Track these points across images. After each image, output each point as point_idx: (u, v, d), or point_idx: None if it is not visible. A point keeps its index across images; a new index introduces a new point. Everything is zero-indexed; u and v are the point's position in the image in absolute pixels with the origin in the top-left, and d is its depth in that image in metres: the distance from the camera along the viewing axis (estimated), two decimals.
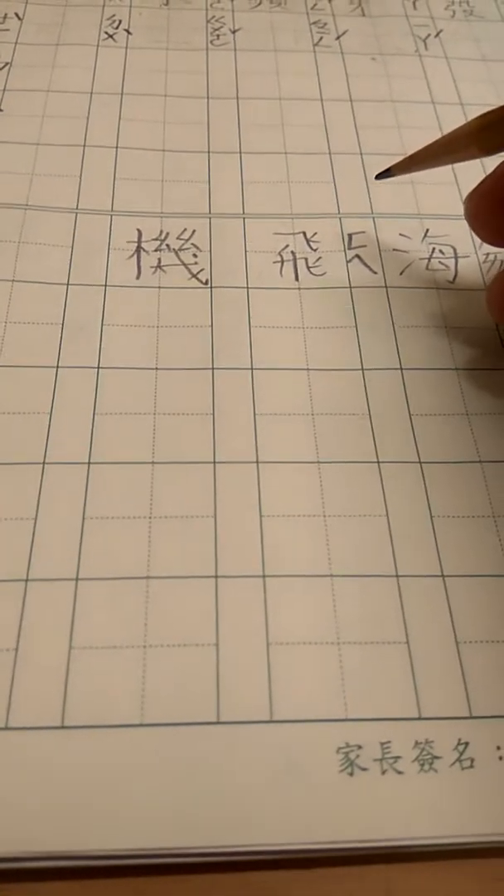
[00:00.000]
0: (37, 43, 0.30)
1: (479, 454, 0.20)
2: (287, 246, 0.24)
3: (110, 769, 0.15)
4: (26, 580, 0.17)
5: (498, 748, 0.16)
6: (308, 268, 0.24)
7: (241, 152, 0.27)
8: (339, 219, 0.25)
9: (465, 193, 0.26)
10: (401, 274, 0.24)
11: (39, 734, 0.16)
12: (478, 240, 0.25)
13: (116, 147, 0.26)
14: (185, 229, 0.24)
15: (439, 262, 0.24)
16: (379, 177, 0.23)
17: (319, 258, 0.24)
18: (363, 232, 0.25)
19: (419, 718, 0.16)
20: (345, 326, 0.23)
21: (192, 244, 0.24)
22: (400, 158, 0.27)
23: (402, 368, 0.22)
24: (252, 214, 0.25)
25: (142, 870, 0.15)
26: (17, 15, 0.31)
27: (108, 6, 0.32)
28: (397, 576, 0.18)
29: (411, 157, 0.22)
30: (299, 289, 0.23)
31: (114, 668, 0.16)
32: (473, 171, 0.27)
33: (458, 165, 0.27)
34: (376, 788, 0.15)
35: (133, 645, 0.17)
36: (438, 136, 0.27)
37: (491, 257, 0.24)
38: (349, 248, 0.24)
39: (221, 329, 0.22)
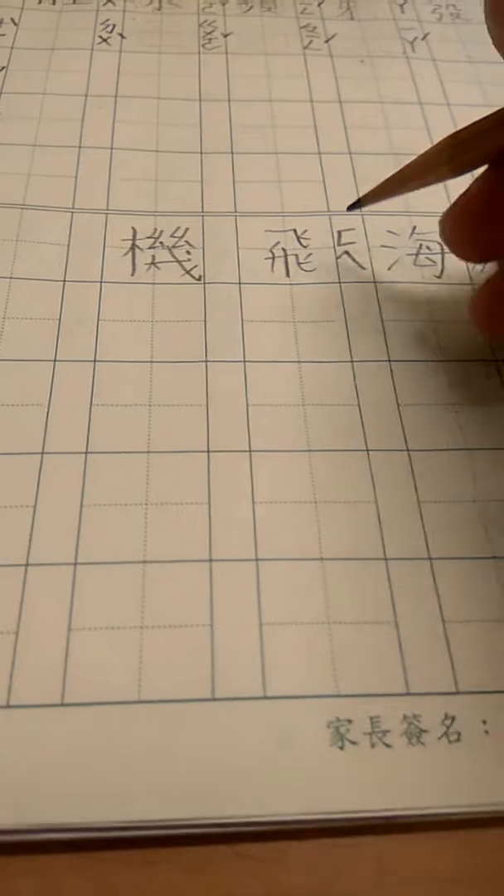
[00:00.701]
0: (32, 47, 0.31)
1: (465, 442, 0.21)
2: (278, 243, 0.25)
3: (109, 744, 0.16)
4: (26, 565, 0.18)
5: (484, 722, 0.16)
6: (299, 264, 0.25)
7: (232, 152, 0.27)
8: (329, 217, 0.26)
9: (452, 192, 0.27)
10: (389, 269, 0.25)
11: (40, 711, 0.16)
12: None
13: (111, 148, 0.27)
14: (179, 227, 0.25)
15: (426, 257, 0.25)
16: (350, 208, 0.23)
17: (310, 255, 0.25)
18: (352, 229, 0.26)
19: (407, 694, 0.17)
20: (334, 320, 0.23)
21: (186, 242, 0.25)
22: (387, 158, 0.28)
23: (389, 360, 0.22)
24: (244, 213, 0.26)
25: (140, 841, 0.15)
26: (12, 20, 0.32)
27: (101, 11, 0.32)
28: (386, 559, 0.19)
29: (380, 186, 0.22)
30: (290, 284, 0.24)
31: (112, 648, 0.17)
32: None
33: None
34: (366, 761, 0.16)
35: (130, 626, 0.17)
36: (426, 136, 0.28)
37: None
38: (338, 245, 0.25)
39: (214, 323, 0.23)
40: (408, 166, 0.20)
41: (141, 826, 0.15)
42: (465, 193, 0.19)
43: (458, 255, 0.20)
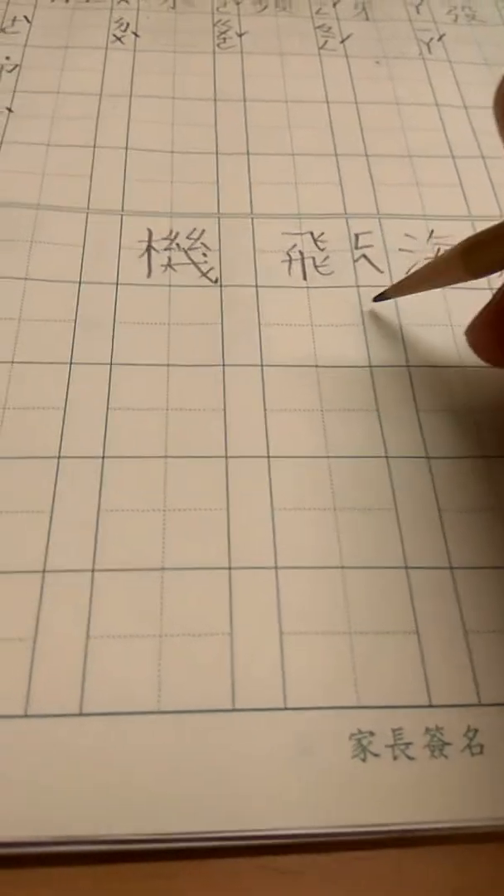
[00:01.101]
0: (46, 45, 0.30)
1: (485, 449, 0.21)
2: (295, 245, 0.25)
3: (128, 755, 0.16)
4: (43, 571, 0.18)
5: None
6: (316, 267, 0.24)
7: (248, 153, 0.27)
8: (346, 219, 0.26)
9: (469, 195, 0.27)
10: (406, 273, 0.24)
11: (58, 721, 0.16)
12: None
13: (126, 148, 0.27)
14: (195, 229, 0.25)
15: None
16: (377, 299, 0.23)
17: (327, 258, 0.25)
18: (369, 232, 0.25)
19: (430, 706, 0.17)
20: (352, 324, 0.23)
21: (202, 243, 0.24)
22: (404, 160, 0.27)
23: (408, 365, 0.22)
24: (260, 214, 0.25)
25: (160, 854, 0.15)
26: (25, 18, 0.31)
27: (115, 9, 0.32)
28: (406, 567, 0.18)
29: (402, 282, 0.22)
30: (307, 287, 0.24)
31: (130, 656, 0.17)
32: (477, 173, 0.27)
33: (462, 166, 0.27)
34: (388, 774, 0.16)
35: (149, 634, 0.17)
36: (443, 138, 0.28)
37: None
38: (356, 248, 0.25)
39: (231, 327, 0.23)
40: (425, 268, 0.20)
41: (161, 839, 0.15)
42: (487, 305, 0.19)
43: (484, 361, 0.20)
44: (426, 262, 0.25)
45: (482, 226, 0.25)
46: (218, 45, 0.31)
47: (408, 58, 0.31)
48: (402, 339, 0.23)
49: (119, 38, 0.31)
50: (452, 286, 0.22)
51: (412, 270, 0.24)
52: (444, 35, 0.32)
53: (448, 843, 0.16)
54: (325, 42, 0.32)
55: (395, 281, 0.24)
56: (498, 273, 0.19)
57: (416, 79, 0.30)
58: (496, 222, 0.18)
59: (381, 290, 0.24)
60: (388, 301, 0.23)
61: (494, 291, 0.19)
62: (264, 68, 0.30)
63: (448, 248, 0.25)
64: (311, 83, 0.30)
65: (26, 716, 0.16)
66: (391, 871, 0.15)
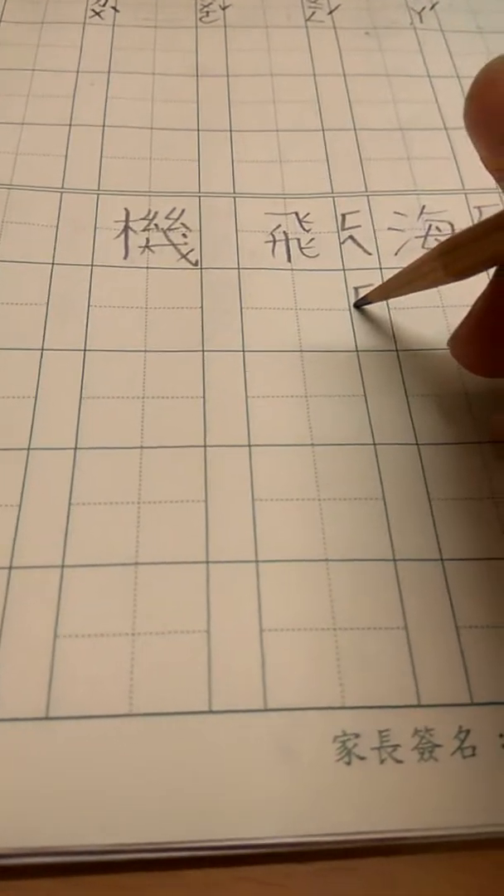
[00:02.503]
0: (21, 21, 0.29)
1: (478, 435, 0.20)
2: (279, 226, 0.24)
3: (97, 761, 0.15)
4: (10, 568, 0.17)
5: (500, 736, 0.15)
6: (301, 248, 0.23)
7: (231, 130, 0.26)
8: (333, 198, 0.24)
9: (463, 168, 0.25)
10: (395, 254, 0.23)
11: (22, 725, 0.15)
12: (476, 214, 0.24)
13: (103, 126, 0.26)
14: (175, 209, 0.24)
15: (436, 239, 0.24)
16: (358, 305, 0.22)
17: (312, 239, 0.23)
18: (357, 211, 0.24)
19: (418, 706, 0.16)
20: (338, 308, 0.22)
21: (182, 224, 0.23)
22: (394, 134, 0.26)
23: (397, 350, 0.21)
24: (243, 194, 0.24)
25: (131, 865, 0.14)
26: None
27: None
28: (395, 560, 0.17)
29: (384, 285, 0.21)
30: (292, 270, 0.23)
31: (100, 656, 0.16)
32: (471, 145, 0.26)
33: (455, 138, 0.26)
34: (375, 778, 0.15)
35: (121, 633, 0.16)
36: (435, 110, 0.27)
37: None
38: (343, 229, 0.24)
39: (212, 311, 0.22)
40: (406, 270, 0.19)
41: (133, 849, 0.14)
42: (468, 315, 0.18)
43: (469, 370, 0.19)
44: (416, 240, 0.24)
45: (477, 199, 0.25)
46: (200, 20, 0.30)
47: (398, 28, 0.30)
48: (391, 323, 0.22)
49: (98, 13, 0.30)
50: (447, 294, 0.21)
51: (400, 252, 0.23)
52: (436, 3, 0.31)
53: (439, 851, 0.15)
54: (313, 13, 0.30)
55: (383, 264, 0.23)
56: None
57: (407, 49, 0.29)
58: (479, 221, 0.17)
59: (370, 270, 0.23)
60: (375, 284, 0.22)
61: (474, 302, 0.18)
62: (248, 42, 0.29)
63: (441, 223, 0.24)
64: (298, 56, 0.29)
65: None
66: (379, 881, 0.15)
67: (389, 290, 0.20)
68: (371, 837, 0.15)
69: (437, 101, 0.27)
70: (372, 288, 0.22)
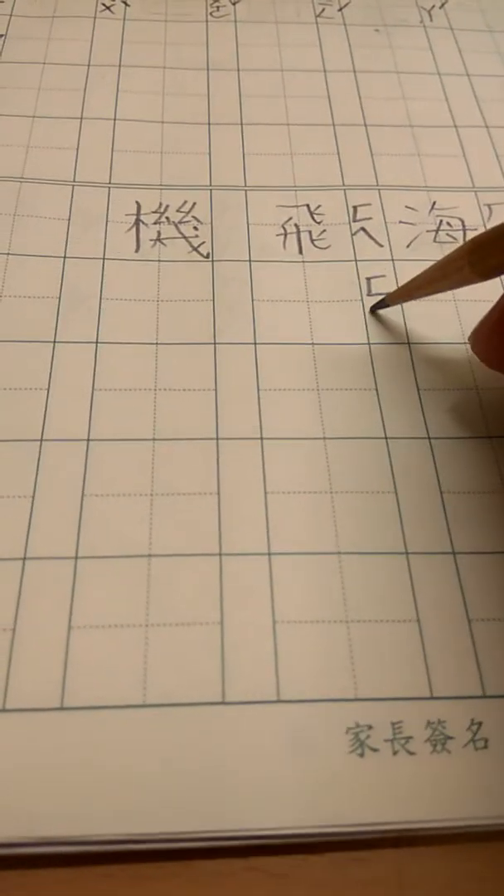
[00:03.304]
0: (32, 15, 0.29)
1: (489, 429, 0.20)
2: (290, 218, 0.24)
3: (111, 751, 0.15)
4: (24, 559, 0.17)
5: None
6: (312, 241, 0.23)
7: (242, 124, 0.26)
8: (344, 191, 0.24)
9: (473, 165, 0.25)
10: (407, 247, 0.23)
11: (38, 716, 0.15)
12: (486, 211, 0.24)
13: (114, 119, 0.26)
14: (186, 202, 0.24)
15: (447, 234, 0.24)
16: (375, 308, 0.21)
17: (324, 231, 0.23)
18: (368, 204, 0.24)
19: (431, 698, 0.16)
20: (349, 300, 0.22)
21: (193, 217, 0.23)
22: (404, 130, 0.26)
23: (409, 343, 0.21)
24: (254, 186, 0.24)
25: (143, 855, 0.14)
26: None
27: None
28: (407, 553, 0.17)
29: (405, 286, 0.20)
30: (303, 262, 0.23)
31: (114, 647, 0.16)
32: (480, 143, 0.26)
33: (465, 135, 0.26)
34: (387, 770, 0.15)
35: (134, 624, 0.16)
36: (445, 107, 0.27)
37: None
38: (354, 221, 0.24)
39: (223, 303, 0.22)
40: (429, 270, 0.19)
41: (146, 839, 0.14)
42: (490, 312, 0.18)
43: (489, 367, 0.19)
44: (428, 234, 0.24)
45: (487, 197, 0.25)
46: (211, 14, 0.30)
47: (408, 25, 0.30)
48: (403, 315, 0.22)
49: (108, 7, 0.30)
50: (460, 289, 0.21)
51: (412, 244, 0.23)
52: (446, 2, 0.31)
53: (451, 843, 0.15)
54: (323, 10, 0.30)
55: (395, 256, 0.23)
56: None
57: (416, 47, 0.29)
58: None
59: (382, 262, 0.22)
60: (387, 277, 0.22)
61: (499, 298, 0.18)
62: (259, 37, 0.29)
63: (452, 218, 0.24)
64: (308, 52, 0.29)
65: (4, 710, 0.15)
66: (390, 873, 0.15)
67: (409, 291, 0.20)
68: (383, 829, 0.15)
69: (446, 99, 0.27)
70: (382, 279, 0.22)
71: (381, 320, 0.22)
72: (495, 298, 0.22)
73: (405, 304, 0.22)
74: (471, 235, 0.23)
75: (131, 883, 0.14)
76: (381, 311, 0.22)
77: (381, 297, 0.21)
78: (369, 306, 0.22)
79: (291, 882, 0.14)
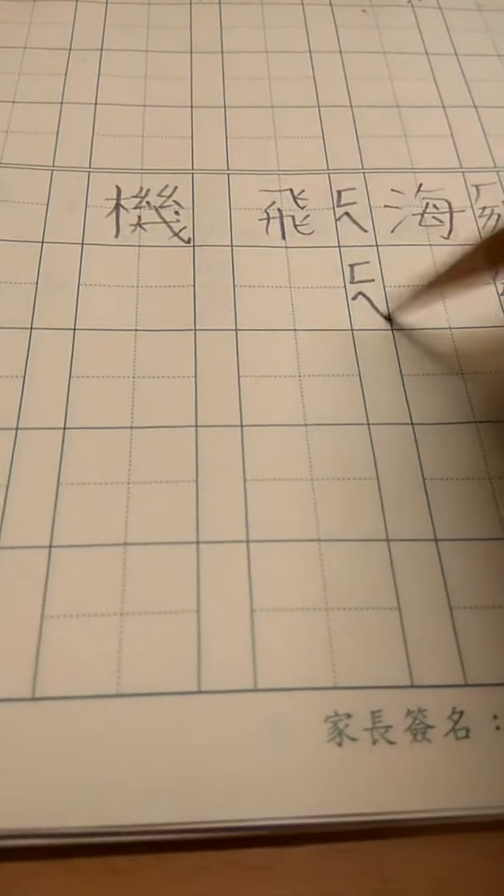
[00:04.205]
0: None
1: (474, 414, 0.19)
2: (273, 203, 0.23)
3: (85, 742, 0.15)
4: None
5: (494, 717, 0.15)
6: (295, 226, 0.23)
7: (225, 107, 0.26)
8: (328, 175, 0.24)
9: (461, 146, 0.25)
10: (392, 231, 0.23)
11: (9, 706, 0.15)
12: (474, 192, 0.24)
13: (95, 103, 0.25)
14: (167, 186, 0.23)
15: (433, 217, 0.23)
16: (389, 318, 0.21)
17: (307, 216, 0.23)
18: (353, 188, 0.24)
19: (411, 686, 0.15)
20: (333, 286, 0.22)
21: (174, 201, 0.23)
22: (391, 111, 0.26)
23: (392, 329, 0.21)
24: (237, 170, 0.24)
25: (119, 848, 0.14)
26: None
27: None
28: (388, 540, 0.17)
29: (414, 295, 0.20)
30: (286, 247, 0.22)
31: (89, 637, 0.16)
32: (468, 123, 0.26)
33: (453, 115, 0.25)
34: (367, 759, 0.15)
35: (109, 613, 0.16)
36: (433, 87, 0.27)
37: (488, 211, 0.23)
38: (338, 206, 0.23)
39: (204, 289, 0.21)
40: (442, 273, 0.19)
41: (120, 831, 0.14)
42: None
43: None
44: (413, 217, 0.23)
45: (475, 178, 0.24)
46: None
47: (396, 5, 0.30)
48: (386, 302, 0.21)
49: None
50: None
51: (396, 229, 0.23)
52: None
53: (433, 834, 0.15)
54: None
55: (379, 241, 0.23)
56: None
57: (404, 26, 0.29)
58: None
59: (366, 247, 0.22)
60: (371, 263, 0.22)
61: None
62: (244, 19, 0.29)
63: (439, 200, 0.24)
64: (293, 33, 0.28)
65: None
66: (371, 864, 0.14)
67: (425, 297, 0.20)
68: (362, 819, 0.14)
69: (434, 79, 0.27)
70: (366, 266, 0.21)
71: (363, 302, 0.21)
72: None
73: (387, 290, 0.21)
74: (458, 217, 0.23)
75: (105, 876, 0.14)
76: (365, 296, 0.21)
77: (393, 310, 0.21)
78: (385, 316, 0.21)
79: (271, 874, 0.14)
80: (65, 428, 0.18)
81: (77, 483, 0.18)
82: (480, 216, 0.23)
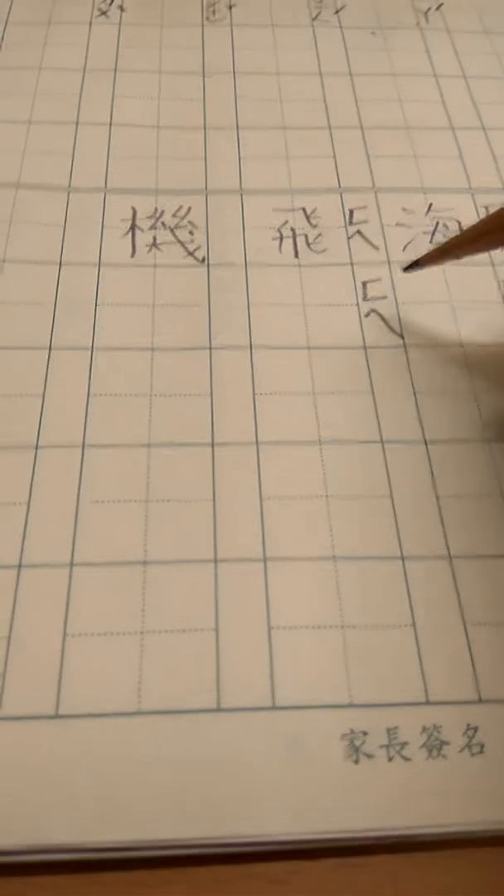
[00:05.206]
0: (28, 21, 0.29)
1: (486, 433, 0.19)
2: (286, 222, 0.24)
3: (107, 759, 0.15)
4: (19, 566, 0.17)
5: None
6: (308, 244, 0.23)
7: (238, 127, 0.26)
8: (340, 194, 0.24)
9: (470, 167, 0.25)
10: (403, 249, 0.23)
11: (33, 723, 0.15)
12: (483, 213, 0.24)
13: (110, 124, 0.26)
14: (181, 206, 0.24)
15: (444, 236, 0.23)
16: (408, 269, 0.21)
17: (320, 234, 0.23)
18: (365, 207, 0.24)
19: (426, 703, 0.16)
20: (346, 304, 0.22)
21: (189, 222, 0.23)
22: (401, 132, 0.26)
23: (405, 346, 0.21)
24: (250, 190, 0.24)
25: (140, 862, 0.14)
26: None
27: None
28: (402, 557, 0.17)
29: (442, 246, 0.20)
30: (299, 266, 0.23)
31: (110, 655, 0.16)
32: (477, 145, 0.26)
33: (462, 137, 0.26)
34: (383, 776, 0.15)
35: (130, 631, 0.16)
36: (441, 109, 0.27)
37: None
38: (350, 224, 0.24)
39: (219, 308, 0.22)
40: (468, 229, 0.19)
41: (141, 846, 0.14)
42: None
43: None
44: (424, 236, 0.24)
45: (484, 199, 0.25)
46: (207, 18, 0.30)
47: (405, 28, 0.30)
48: (399, 318, 0.22)
49: (104, 13, 0.30)
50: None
51: (408, 247, 0.23)
52: (442, 4, 0.31)
53: (447, 849, 0.15)
54: (319, 13, 0.30)
55: (391, 258, 0.23)
56: None
57: (413, 49, 0.29)
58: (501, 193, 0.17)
59: (378, 265, 0.22)
60: (383, 280, 0.22)
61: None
62: (255, 41, 0.29)
63: (449, 220, 0.24)
64: (304, 55, 0.29)
65: (0, 718, 0.15)
66: (386, 879, 0.15)
67: (445, 251, 0.20)
68: (378, 835, 0.15)
69: (443, 101, 0.27)
70: (378, 283, 0.22)
71: (376, 319, 0.21)
72: (492, 300, 0.22)
73: (400, 306, 0.22)
74: None
75: (127, 890, 0.14)
76: (378, 313, 0.22)
77: (416, 260, 0.21)
78: (401, 268, 0.22)
79: (289, 889, 0.14)
80: (84, 446, 0.19)
81: (97, 501, 0.18)
82: None
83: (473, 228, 0.19)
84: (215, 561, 0.17)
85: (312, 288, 0.22)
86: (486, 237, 0.18)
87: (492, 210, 0.24)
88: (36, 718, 0.15)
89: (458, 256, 0.20)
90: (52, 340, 0.20)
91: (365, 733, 0.15)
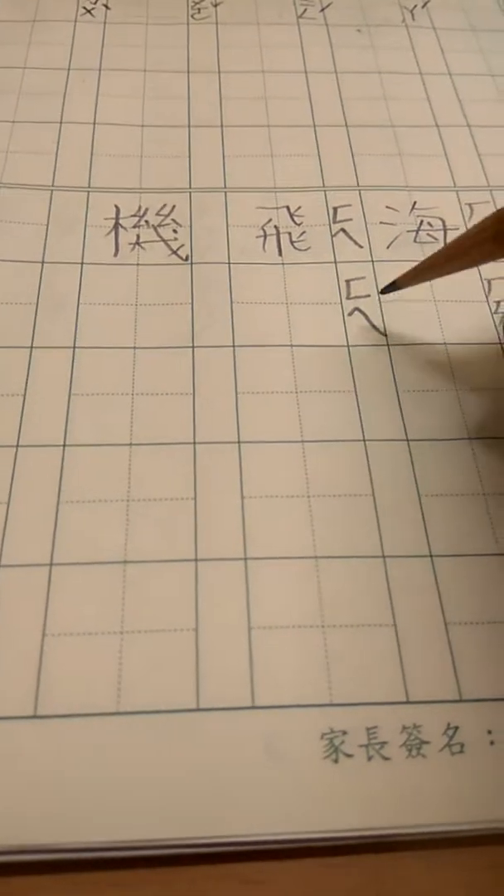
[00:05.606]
0: (12, 20, 0.29)
1: (468, 431, 0.19)
2: (270, 220, 0.24)
3: (85, 759, 0.15)
4: None
5: (489, 732, 0.15)
6: (292, 242, 0.23)
7: (222, 126, 0.26)
8: (324, 192, 0.24)
9: (455, 165, 0.25)
10: (387, 247, 0.23)
11: (11, 724, 0.15)
12: (468, 211, 0.24)
13: (94, 123, 0.26)
14: (165, 205, 0.24)
15: (427, 234, 0.23)
16: (385, 291, 0.21)
17: (304, 232, 0.23)
18: (349, 205, 0.24)
19: (406, 702, 0.16)
20: (329, 302, 0.22)
21: (172, 220, 0.23)
22: (386, 130, 0.26)
23: (388, 345, 0.21)
24: (234, 188, 0.24)
25: (119, 863, 0.14)
26: None
27: None
28: (384, 556, 0.17)
29: (420, 266, 0.20)
30: (283, 264, 0.23)
31: (89, 655, 0.16)
32: (462, 143, 0.26)
33: (447, 135, 0.26)
34: (362, 776, 0.15)
35: (109, 631, 0.16)
36: (426, 107, 0.27)
37: None
38: (334, 222, 0.24)
39: (202, 306, 0.21)
40: (447, 247, 0.19)
41: (120, 847, 0.14)
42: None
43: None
44: (408, 234, 0.23)
45: (468, 197, 0.24)
46: (192, 16, 0.30)
47: (391, 25, 0.30)
48: (383, 317, 0.22)
49: (89, 11, 0.30)
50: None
51: (392, 245, 0.23)
52: (428, 1, 0.31)
53: (428, 849, 0.15)
54: (305, 10, 0.30)
55: (375, 257, 0.23)
56: None
57: (399, 47, 0.29)
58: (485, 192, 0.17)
59: (362, 263, 0.22)
60: (367, 278, 0.22)
61: None
62: (240, 39, 0.29)
63: (433, 218, 0.24)
64: (289, 53, 0.29)
65: None
66: (366, 879, 0.15)
67: (423, 271, 0.20)
68: (358, 835, 0.14)
69: (428, 99, 0.27)
70: (362, 281, 0.22)
71: (359, 318, 0.21)
72: (475, 298, 0.22)
73: (384, 305, 0.22)
74: (452, 235, 0.23)
75: (104, 890, 0.14)
76: (361, 312, 0.22)
77: (393, 280, 0.21)
78: (380, 289, 0.21)
79: (268, 889, 0.14)
80: (64, 445, 0.19)
81: (77, 501, 0.18)
82: None
83: (452, 245, 0.19)
84: (196, 560, 0.17)
85: (296, 286, 0.22)
86: (460, 259, 0.18)
87: (476, 209, 0.24)
88: (14, 719, 0.15)
89: (431, 278, 0.20)
90: (34, 339, 0.20)
91: (344, 732, 0.15)
